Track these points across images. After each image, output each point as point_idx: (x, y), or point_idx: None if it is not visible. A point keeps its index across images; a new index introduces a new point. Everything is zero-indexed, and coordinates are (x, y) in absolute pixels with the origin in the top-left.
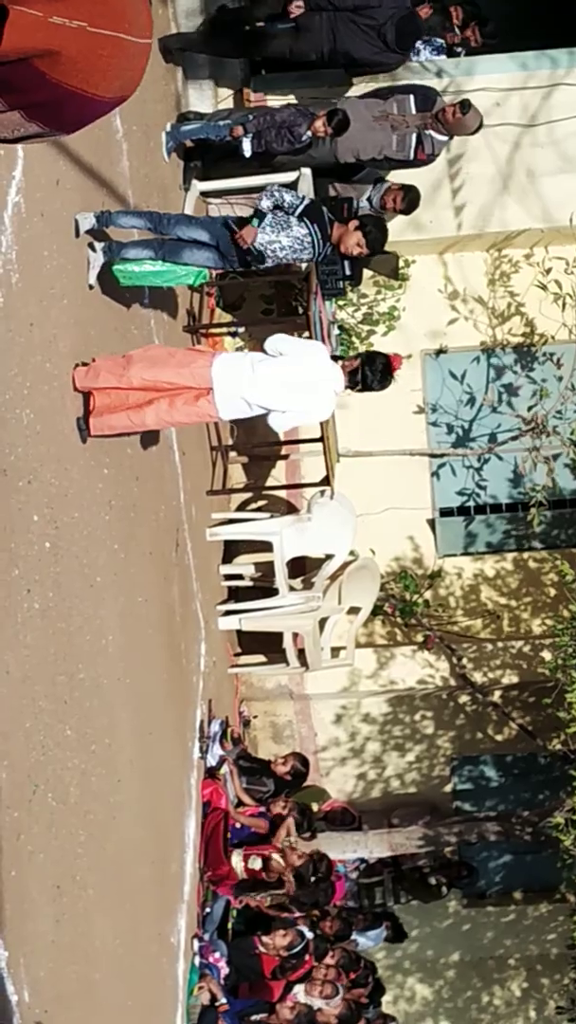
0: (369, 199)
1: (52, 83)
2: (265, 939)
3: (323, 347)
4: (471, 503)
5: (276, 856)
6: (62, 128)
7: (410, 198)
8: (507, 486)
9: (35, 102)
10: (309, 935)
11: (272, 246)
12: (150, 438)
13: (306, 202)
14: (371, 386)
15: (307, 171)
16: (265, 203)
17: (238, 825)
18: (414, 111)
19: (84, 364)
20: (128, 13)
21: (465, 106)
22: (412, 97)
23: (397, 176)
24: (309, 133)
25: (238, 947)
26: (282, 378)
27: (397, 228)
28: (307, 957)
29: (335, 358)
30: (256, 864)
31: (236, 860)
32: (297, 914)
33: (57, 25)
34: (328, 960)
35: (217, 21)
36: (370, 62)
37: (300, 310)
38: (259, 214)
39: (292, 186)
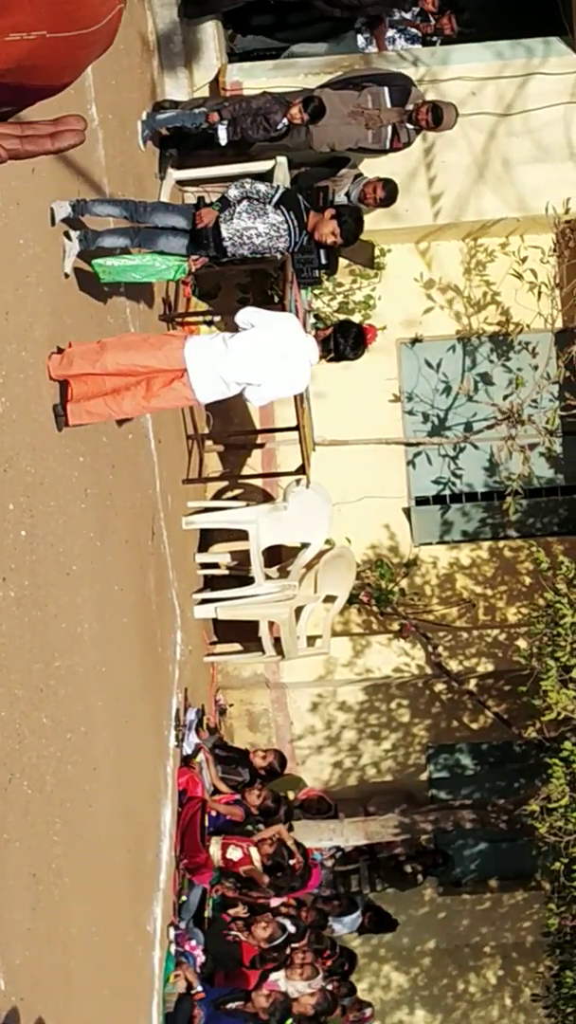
0: (347, 193)
1: (14, 86)
2: (245, 932)
3: (294, 318)
4: (447, 492)
5: (254, 851)
6: (21, 109)
7: (388, 190)
8: (483, 475)
9: (8, 102)
10: (291, 928)
11: (248, 232)
12: (126, 426)
13: (281, 191)
14: (344, 354)
15: (283, 160)
16: (233, 192)
17: (214, 813)
18: (389, 105)
19: (59, 351)
20: (80, 7)
21: (437, 114)
22: (387, 90)
23: (373, 165)
24: (285, 121)
25: (214, 933)
26: (256, 350)
27: (373, 217)
28: (286, 949)
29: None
30: (235, 854)
31: (214, 849)
32: (275, 901)
33: (15, 42)
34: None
35: None
36: None
37: (276, 299)
38: (223, 200)
39: (268, 175)
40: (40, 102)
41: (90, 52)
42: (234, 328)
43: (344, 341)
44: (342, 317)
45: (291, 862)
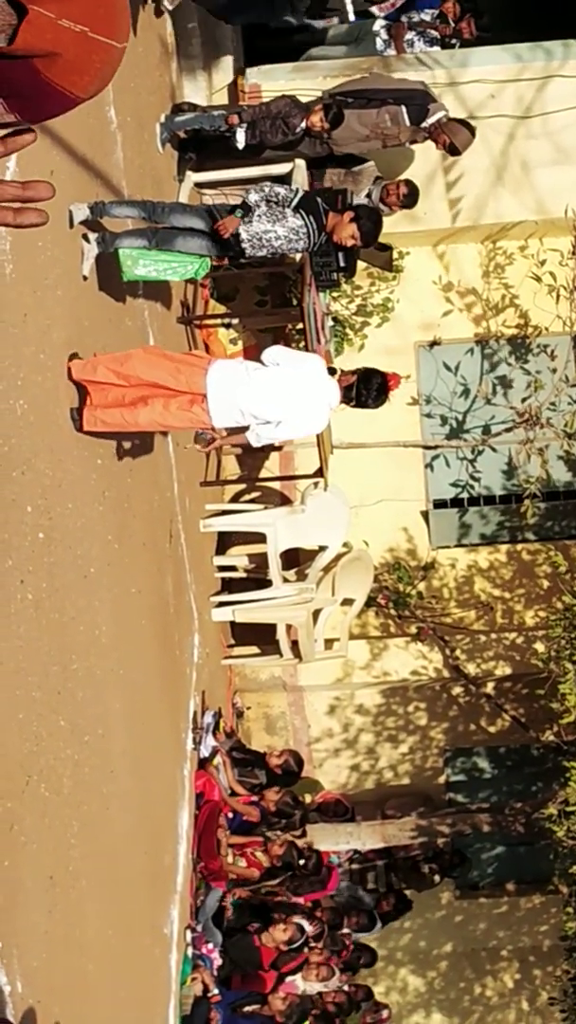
0: (369, 194)
1: (44, 81)
2: (264, 935)
3: (321, 360)
4: (465, 495)
5: (260, 855)
6: (35, 120)
7: (411, 188)
8: (501, 478)
9: (22, 96)
10: (309, 929)
11: (267, 235)
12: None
13: (300, 194)
14: (365, 403)
15: (301, 162)
16: (253, 196)
17: (231, 814)
18: (408, 123)
19: (77, 355)
20: (120, 21)
21: (453, 148)
22: (405, 109)
23: (393, 169)
24: (303, 124)
25: (236, 944)
26: (278, 388)
27: (392, 220)
28: (303, 951)
29: (331, 371)
30: (240, 863)
31: (229, 858)
32: (293, 899)
33: (64, 28)
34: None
35: None
36: None
37: (294, 302)
38: (244, 206)
39: (286, 177)
40: (48, 119)
41: (105, 70)
42: (256, 335)
43: (367, 392)
44: (361, 320)
45: (301, 862)
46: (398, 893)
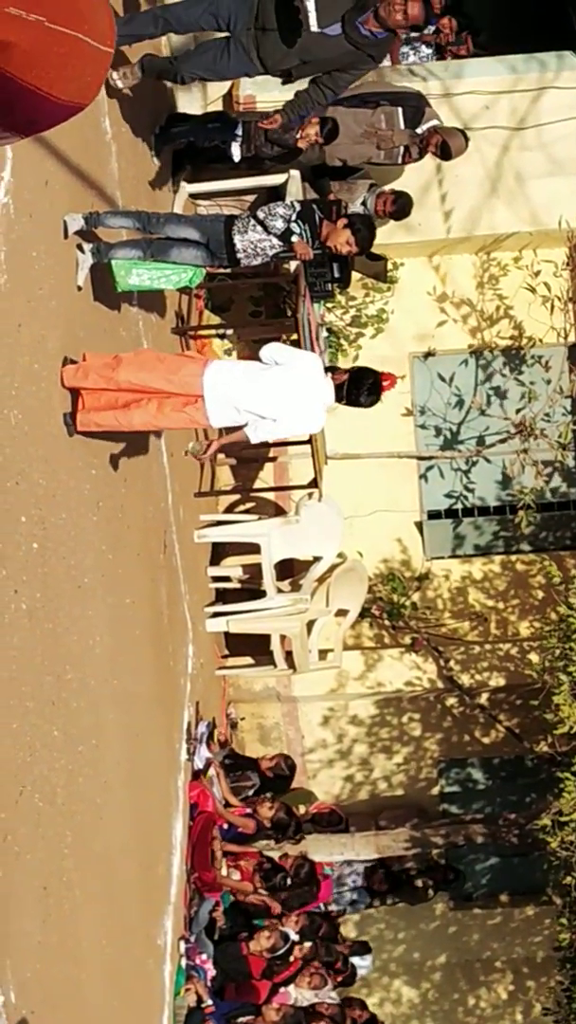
0: (364, 203)
1: (4, 76)
2: (251, 943)
3: (318, 358)
4: (459, 505)
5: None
6: (14, 128)
7: (401, 203)
8: (495, 488)
9: None
10: (294, 937)
11: (262, 244)
12: (138, 439)
13: (298, 209)
14: (357, 401)
15: (296, 173)
16: (280, 224)
17: (225, 826)
18: (402, 126)
19: (72, 361)
20: (88, 16)
21: (445, 150)
22: (400, 111)
23: (388, 177)
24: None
25: (225, 952)
26: (275, 386)
27: (386, 230)
28: (292, 959)
29: (328, 369)
30: (234, 876)
31: (223, 871)
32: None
33: (13, 16)
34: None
35: None
36: None
37: (288, 312)
38: (288, 232)
39: (281, 188)
40: (31, 127)
41: (80, 67)
42: (251, 346)
43: (358, 390)
44: (355, 331)
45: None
46: (392, 876)
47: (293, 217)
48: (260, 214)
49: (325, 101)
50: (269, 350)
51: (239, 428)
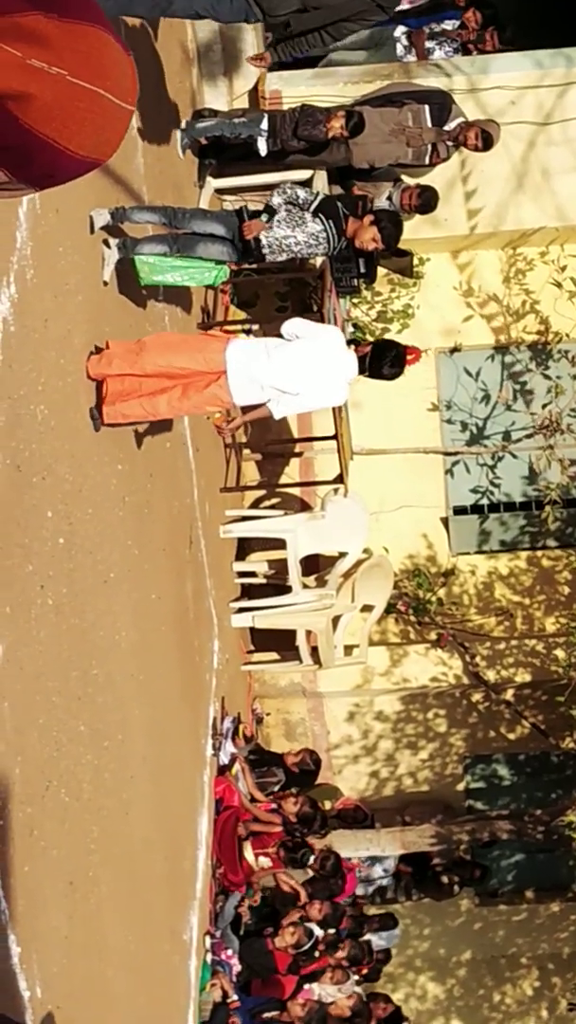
0: (390, 197)
1: (23, 128)
2: (276, 939)
3: (339, 332)
4: (485, 501)
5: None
6: (30, 181)
7: (426, 197)
8: (521, 484)
9: (7, 148)
10: (318, 932)
11: (287, 241)
12: (165, 434)
13: (320, 198)
14: (380, 372)
15: (322, 171)
16: (276, 199)
17: (253, 826)
18: (429, 124)
19: (97, 351)
20: (112, 72)
21: (487, 141)
22: (427, 108)
23: (415, 172)
24: (323, 128)
25: (250, 947)
26: (298, 360)
27: (412, 226)
28: (318, 955)
29: (351, 342)
30: (264, 863)
31: (249, 856)
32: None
33: (36, 68)
34: (339, 953)
35: None
36: None
37: (314, 307)
38: (269, 209)
39: (307, 183)
40: (47, 181)
41: (100, 122)
42: (276, 335)
43: (380, 362)
44: (381, 327)
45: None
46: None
47: (305, 201)
48: (276, 195)
49: (324, 45)
50: (290, 325)
51: (262, 405)
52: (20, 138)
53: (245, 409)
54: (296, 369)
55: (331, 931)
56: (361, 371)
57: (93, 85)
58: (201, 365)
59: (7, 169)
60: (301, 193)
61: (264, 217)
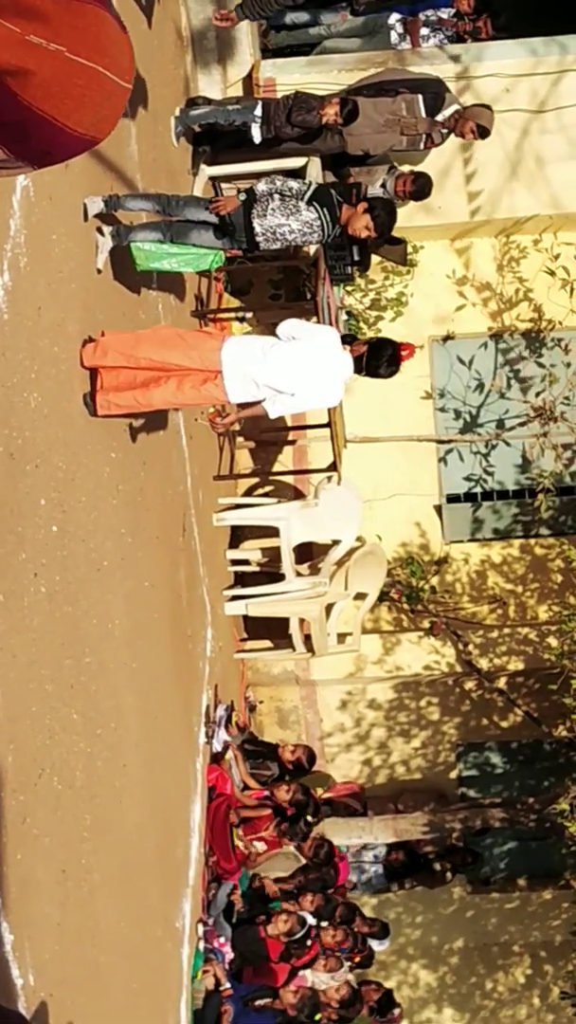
0: (383, 184)
1: (21, 104)
2: (269, 926)
3: (335, 332)
4: (478, 489)
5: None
6: (28, 157)
7: (420, 183)
8: (514, 472)
9: (5, 124)
10: (311, 921)
11: (281, 229)
12: (158, 422)
13: (314, 187)
14: (376, 372)
15: (316, 158)
16: (262, 187)
17: (243, 814)
18: (424, 113)
19: (91, 340)
20: (111, 50)
21: (483, 131)
22: (421, 98)
23: (409, 159)
24: (319, 116)
25: (243, 935)
26: (293, 361)
27: (406, 213)
28: (311, 944)
29: (346, 339)
30: (260, 847)
31: (239, 841)
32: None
33: (34, 44)
34: (330, 938)
35: None
36: None
37: (308, 295)
38: (250, 192)
39: (301, 171)
40: (44, 158)
41: (99, 100)
42: (270, 329)
43: (377, 361)
44: (374, 314)
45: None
46: (412, 855)
47: (298, 192)
48: (264, 182)
49: (294, 3)
50: (286, 326)
51: (258, 403)
52: (19, 114)
53: (240, 406)
54: (292, 369)
55: (337, 930)
56: (357, 371)
57: (92, 62)
58: (196, 363)
59: (6, 146)
60: (294, 185)
61: (242, 196)
